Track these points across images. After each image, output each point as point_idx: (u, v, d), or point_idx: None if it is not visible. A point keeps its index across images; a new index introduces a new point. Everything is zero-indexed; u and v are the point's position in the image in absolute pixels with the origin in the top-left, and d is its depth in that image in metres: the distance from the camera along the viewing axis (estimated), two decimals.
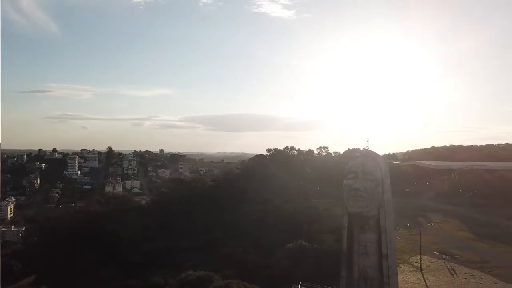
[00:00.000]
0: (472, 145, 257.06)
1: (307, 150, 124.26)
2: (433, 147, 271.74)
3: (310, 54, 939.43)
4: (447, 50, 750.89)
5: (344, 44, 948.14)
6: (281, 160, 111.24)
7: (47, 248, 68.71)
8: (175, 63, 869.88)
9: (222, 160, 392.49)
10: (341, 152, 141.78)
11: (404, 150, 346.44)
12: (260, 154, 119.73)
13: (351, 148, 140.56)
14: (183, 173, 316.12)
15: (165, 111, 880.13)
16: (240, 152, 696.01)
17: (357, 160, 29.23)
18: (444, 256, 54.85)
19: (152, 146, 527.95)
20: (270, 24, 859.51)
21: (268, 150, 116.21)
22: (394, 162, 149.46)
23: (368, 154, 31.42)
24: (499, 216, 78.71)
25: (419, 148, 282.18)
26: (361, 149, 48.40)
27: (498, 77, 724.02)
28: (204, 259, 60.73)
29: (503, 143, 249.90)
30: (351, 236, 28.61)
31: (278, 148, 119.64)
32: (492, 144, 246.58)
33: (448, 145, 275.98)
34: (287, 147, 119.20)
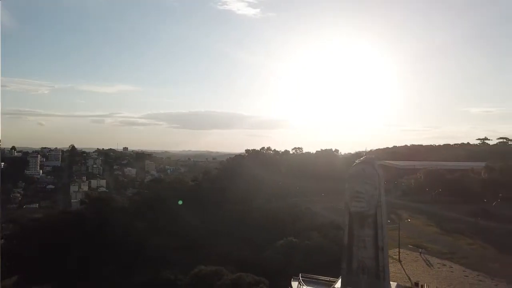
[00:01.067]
0: (431, 145, 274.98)
1: (283, 150, 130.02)
2: (395, 147, 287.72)
3: (275, 53, 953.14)
4: (406, 51, 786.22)
5: (308, 43, 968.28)
6: (259, 160, 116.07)
7: (35, 248, 69.55)
8: (138, 59, 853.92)
9: (189, 158, 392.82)
10: (313, 152, 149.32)
11: (367, 149, 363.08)
12: (239, 154, 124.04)
13: (323, 149, 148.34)
14: (150, 172, 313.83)
15: (127, 108, 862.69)
16: (205, 150, 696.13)
17: (358, 167, 35.48)
18: (420, 250, 61.96)
19: (115, 143, 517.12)
20: (235, 22, 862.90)
21: (247, 151, 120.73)
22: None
23: (367, 162, 37.75)
24: (460, 213, 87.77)
25: (383, 147, 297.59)
26: (364, 152, 53.24)
27: (454, 78, 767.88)
28: (198, 257, 64.33)
29: (459, 142, 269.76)
30: (351, 232, 34.63)
31: (256, 149, 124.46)
32: (449, 144, 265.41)
33: (409, 145, 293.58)
34: (264, 147, 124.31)
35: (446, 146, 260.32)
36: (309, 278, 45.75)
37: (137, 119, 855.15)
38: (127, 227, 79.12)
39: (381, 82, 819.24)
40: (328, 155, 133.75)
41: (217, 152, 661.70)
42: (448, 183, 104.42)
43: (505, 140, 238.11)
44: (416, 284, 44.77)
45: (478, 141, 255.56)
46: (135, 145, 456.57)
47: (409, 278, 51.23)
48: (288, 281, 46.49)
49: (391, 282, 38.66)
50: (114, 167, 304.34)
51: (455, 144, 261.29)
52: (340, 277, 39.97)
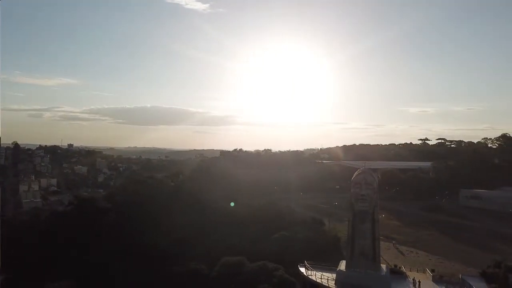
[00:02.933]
0: (378, 144, 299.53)
1: (253, 151, 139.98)
2: (345, 146, 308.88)
3: (224, 49, 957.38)
4: (349, 52, 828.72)
5: (257, 41, 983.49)
6: (234, 160, 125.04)
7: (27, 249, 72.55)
8: (80, 51, 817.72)
9: (140, 156, 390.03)
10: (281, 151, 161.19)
11: (319, 148, 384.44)
12: (216, 156, 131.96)
13: (291, 150, 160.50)
14: (101, 170, 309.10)
15: (67, 102, 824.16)
16: (152, 146, 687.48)
17: (361, 175, 47.81)
18: (393, 241, 75.02)
19: (55, 139, 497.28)
20: (183, 16, 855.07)
21: (222, 152, 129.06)
22: (324, 161, 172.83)
23: (367, 171, 50.58)
24: (416, 208, 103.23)
25: (333, 146, 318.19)
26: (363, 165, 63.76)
27: (394, 79, 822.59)
28: (198, 252, 72.20)
29: (402, 142, 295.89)
30: (354, 226, 46.69)
31: (229, 150, 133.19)
32: (394, 144, 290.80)
33: (357, 144, 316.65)
34: (236, 149, 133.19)
35: (391, 145, 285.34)
36: (313, 264, 56.52)
37: (79, 113, 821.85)
38: (123, 227, 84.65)
39: (325, 81, 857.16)
40: (295, 154, 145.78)
41: (165, 149, 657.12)
42: (403, 182, 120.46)
43: (443, 141, 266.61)
44: (396, 266, 56.96)
45: (420, 141, 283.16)
46: (77, 141, 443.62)
47: (388, 263, 63.57)
48: (293, 269, 56.61)
49: (381, 265, 50.93)
50: (64, 165, 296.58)
51: (399, 144, 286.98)
52: (344, 261, 51.46)
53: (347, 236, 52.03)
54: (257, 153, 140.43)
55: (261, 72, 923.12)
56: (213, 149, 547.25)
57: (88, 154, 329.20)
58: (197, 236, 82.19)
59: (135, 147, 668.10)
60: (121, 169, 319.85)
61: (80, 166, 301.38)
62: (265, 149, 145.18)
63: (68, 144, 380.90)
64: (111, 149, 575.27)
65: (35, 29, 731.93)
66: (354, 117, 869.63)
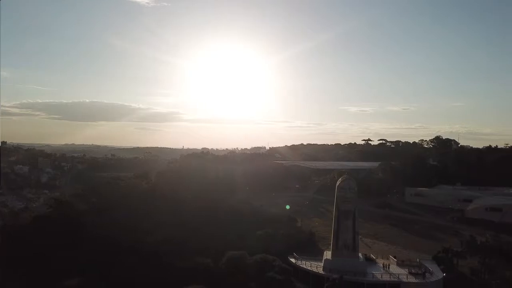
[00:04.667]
0: (324, 144, 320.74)
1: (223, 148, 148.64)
2: (293, 145, 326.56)
3: (167, 44, 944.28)
4: (293, 50, 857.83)
5: (201, 37, 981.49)
6: (202, 161, 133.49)
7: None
8: (11, 40, 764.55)
9: (84, 154, 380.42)
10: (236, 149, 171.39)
11: (264, 146, 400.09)
12: (184, 157, 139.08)
13: (254, 147, 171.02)
14: (44, 169, 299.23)
15: None
16: (91, 144, 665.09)
17: (346, 182, 62.82)
18: (359, 236, 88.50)
19: None
20: (127, 9, 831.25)
21: (188, 154, 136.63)
22: (283, 162, 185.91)
23: (349, 178, 66.08)
24: (371, 206, 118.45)
25: (282, 146, 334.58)
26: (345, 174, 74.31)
27: (335, 78, 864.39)
28: (189, 250, 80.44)
29: (347, 143, 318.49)
30: (338, 223, 61.06)
31: (196, 152, 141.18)
32: (340, 144, 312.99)
33: (305, 144, 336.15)
34: (203, 151, 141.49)
35: (337, 145, 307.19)
36: (301, 255, 68.24)
37: (9, 108, 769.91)
38: (107, 229, 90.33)
39: (269, 80, 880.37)
40: (255, 155, 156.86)
41: (107, 146, 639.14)
42: (357, 182, 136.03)
43: (384, 141, 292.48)
44: (366, 255, 70.08)
45: (363, 141, 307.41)
46: (7, 138, 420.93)
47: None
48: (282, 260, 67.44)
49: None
50: (2, 164, 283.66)
51: (345, 144, 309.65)
52: (327, 251, 63.70)
53: (333, 231, 64.36)
54: (224, 153, 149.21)
55: (207, 70, 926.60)
56: (159, 147, 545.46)
57: (28, 154, 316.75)
58: (184, 235, 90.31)
59: (73, 144, 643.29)
60: (65, 168, 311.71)
61: (21, 166, 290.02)
62: (227, 149, 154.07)
63: (1, 142, 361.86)
64: (46, 146, 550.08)
65: None
66: (298, 115, 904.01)
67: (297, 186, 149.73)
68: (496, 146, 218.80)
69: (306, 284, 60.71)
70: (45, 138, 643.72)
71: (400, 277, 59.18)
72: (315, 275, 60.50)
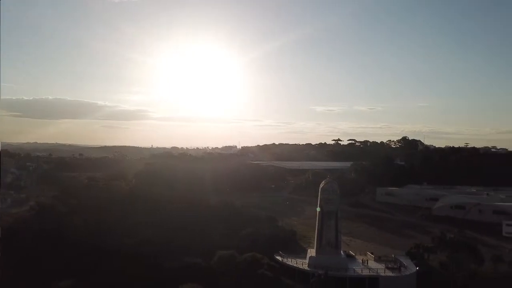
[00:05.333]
0: (296, 144, 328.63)
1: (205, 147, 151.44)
2: (265, 145, 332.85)
3: (136, 42, 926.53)
4: (262, 49, 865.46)
5: (171, 35, 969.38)
6: (181, 162, 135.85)
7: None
8: None
9: (50, 154, 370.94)
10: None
11: (238, 146, 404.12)
12: (162, 158, 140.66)
13: (225, 146, 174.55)
14: (9, 169, 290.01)
15: None
16: (55, 142, 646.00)
17: (329, 185, 68.63)
18: None
19: None
20: (93, 4, 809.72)
21: (167, 156, 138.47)
22: (259, 163, 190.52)
23: (332, 181, 72.05)
24: (343, 205, 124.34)
25: (254, 145, 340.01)
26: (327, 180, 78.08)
27: (303, 77, 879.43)
28: (177, 250, 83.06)
29: (318, 143, 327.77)
30: (322, 222, 66.72)
31: (171, 153, 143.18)
32: (311, 144, 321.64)
33: (277, 143, 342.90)
34: (182, 153, 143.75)
35: (308, 145, 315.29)
36: (286, 253, 72.75)
37: None
38: (90, 231, 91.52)
39: (239, 79, 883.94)
40: (234, 156, 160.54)
41: (72, 145, 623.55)
42: None
43: (353, 142, 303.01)
44: (346, 252, 75.45)
45: (333, 141, 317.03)
46: None
47: None
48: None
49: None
50: None
51: (315, 144, 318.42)
52: (310, 249, 68.48)
53: (317, 230, 69.29)
54: (194, 151, 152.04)
55: (176, 68, 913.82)
56: (127, 145, 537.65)
57: None
58: (166, 236, 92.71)
59: (36, 142, 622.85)
60: (30, 168, 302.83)
61: None
62: (197, 148, 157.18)
63: None
64: (7, 144, 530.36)
65: None
66: (267, 114, 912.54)
67: (272, 186, 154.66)
68: (459, 147, 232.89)
69: (293, 280, 65.18)
70: (4, 136, 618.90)
71: (378, 271, 64.67)
72: (301, 271, 65.06)
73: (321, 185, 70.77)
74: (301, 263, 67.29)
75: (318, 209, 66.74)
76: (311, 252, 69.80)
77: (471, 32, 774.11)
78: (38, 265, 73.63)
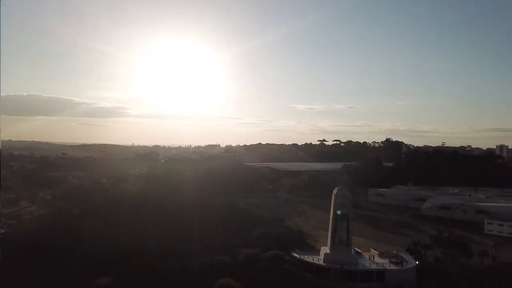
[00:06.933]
0: (282, 144, 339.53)
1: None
2: (252, 144, 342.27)
3: (115, 38, 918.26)
4: (244, 47, 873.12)
5: (151, 32, 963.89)
6: (182, 165, 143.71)
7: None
8: None
9: (32, 153, 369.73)
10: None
11: (222, 145, 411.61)
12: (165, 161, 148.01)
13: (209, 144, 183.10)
14: None
15: None
16: (30, 140, 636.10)
17: (342, 191, 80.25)
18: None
19: None
20: None
21: (169, 159, 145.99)
22: (255, 164, 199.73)
23: (345, 188, 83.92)
24: None
25: (237, 144, 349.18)
26: None
27: (285, 75, 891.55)
28: (197, 248, 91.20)
29: (303, 143, 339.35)
30: (336, 224, 78.29)
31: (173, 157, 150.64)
32: (297, 144, 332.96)
33: (263, 143, 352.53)
34: (183, 156, 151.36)
35: (295, 146, 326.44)
36: (301, 250, 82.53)
37: None
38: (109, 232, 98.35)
39: (220, 76, 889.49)
40: (229, 158, 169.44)
41: (49, 143, 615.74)
42: (325, 183, 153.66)
43: (338, 142, 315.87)
44: (354, 249, 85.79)
45: (318, 142, 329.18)
46: None
47: None
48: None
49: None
50: None
51: (301, 145, 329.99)
52: (324, 247, 78.53)
53: (330, 230, 79.43)
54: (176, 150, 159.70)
55: (155, 64, 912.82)
56: (107, 144, 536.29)
57: None
58: (184, 236, 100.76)
59: (9, 140, 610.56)
60: (14, 168, 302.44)
61: None
62: (180, 146, 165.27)
63: None
64: None
65: None
66: (248, 112, 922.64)
67: (270, 187, 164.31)
68: (438, 146, 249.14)
69: (310, 274, 75.00)
70: None
71: (384, 265, 75.19)
72: (318, 266, 74.95)
73: (334, 191, 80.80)
74: (317, 259, 77.17)
75: (338, 212, 76.30)
76: (325, 249, 79.84)
77: (447, 33, 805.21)
78: (67, 264, 79.32)
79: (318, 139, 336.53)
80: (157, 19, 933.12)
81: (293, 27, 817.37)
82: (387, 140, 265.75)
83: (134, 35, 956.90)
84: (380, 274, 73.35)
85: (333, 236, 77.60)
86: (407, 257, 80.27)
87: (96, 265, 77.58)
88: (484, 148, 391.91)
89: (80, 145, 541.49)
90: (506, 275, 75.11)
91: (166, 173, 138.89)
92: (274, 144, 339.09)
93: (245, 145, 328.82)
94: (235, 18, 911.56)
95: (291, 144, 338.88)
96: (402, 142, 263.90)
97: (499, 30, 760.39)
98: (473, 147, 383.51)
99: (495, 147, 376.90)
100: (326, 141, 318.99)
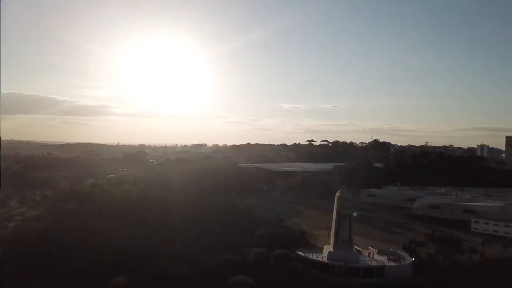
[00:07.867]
0: (271, 144, 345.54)
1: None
2: (241, 144, 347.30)
3: (98, 35, 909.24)
4: (229, 45, 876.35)
5: (135, 30, 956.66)
6: (181, 167, 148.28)
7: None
8: None
9: (16, 153, 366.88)
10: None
11: (209, 144, 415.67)
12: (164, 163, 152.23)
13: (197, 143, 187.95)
14: None
15: None
16: (10, 139, 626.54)
17: (345, 193, 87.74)
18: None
19: None
20: None
21: (167, 161, 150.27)
22: (249, 165, 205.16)
23: (346, 190, 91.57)
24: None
25: (225, 144, 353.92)
26: None
27: (271, 74, 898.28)
28: (201, 248, 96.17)
29: (292, 143, 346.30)
30: (338, 224, 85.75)
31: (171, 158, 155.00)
32: (286, 144, 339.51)
33: (252, 143, 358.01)
34: (178, 157, 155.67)
35: (283, 146, 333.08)
36: (306, 248, 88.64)
37: None
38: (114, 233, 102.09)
39: (206, 75, 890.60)
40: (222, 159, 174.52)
41: (31, 141, 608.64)
42: (318, 183, 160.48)
43: (326, 142, 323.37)
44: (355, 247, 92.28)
45: (307, 142, 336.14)
46: None
47: None
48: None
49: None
50: None
51: (290, 145, 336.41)
52: (327, 246, 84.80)
53: (333, 230, 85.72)
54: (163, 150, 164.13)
55: (139, 62, 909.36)
56: (91, 143, 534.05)
57: None
58: (191, 236, 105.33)
59: None
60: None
61: None
62: (166, 146, 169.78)
63: None
64: None
65: None
66: (234, 111, 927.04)
67: (264, 188, 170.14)
68: (422, 146, 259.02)
69: (315, 272, 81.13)
70: None
71: (383, 262, 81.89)
72: (322, 263, 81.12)
73: (337, 194, 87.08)
74: (321, 257, 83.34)
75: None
76: (328, 248, 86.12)
77: (432, 32, 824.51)
78: (79, 264, 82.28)
79: (306, 139, 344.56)
80: (141, 17, 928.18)
81: (279, 26, 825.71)
82: (375, 140, 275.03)
83: (118, 33, 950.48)
84: (380, 270, 79.87)
85: (335, 236, 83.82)
86: (403, 254, 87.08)
87: (108, 265, 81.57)
88: (465, 147, 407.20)
89: (63, 144, 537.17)
90: (493, 270, 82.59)
91: (166, 174, 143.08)
92: (264, 144, 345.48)
93: (234, 145, 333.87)
94: (221, 17, 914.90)
95: (280, 144, 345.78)
96: (389, 143, 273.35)
97: (480, 30, 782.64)
98: (455, 146, 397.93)
99: (476, 147, 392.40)
100: (314, 141, 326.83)
